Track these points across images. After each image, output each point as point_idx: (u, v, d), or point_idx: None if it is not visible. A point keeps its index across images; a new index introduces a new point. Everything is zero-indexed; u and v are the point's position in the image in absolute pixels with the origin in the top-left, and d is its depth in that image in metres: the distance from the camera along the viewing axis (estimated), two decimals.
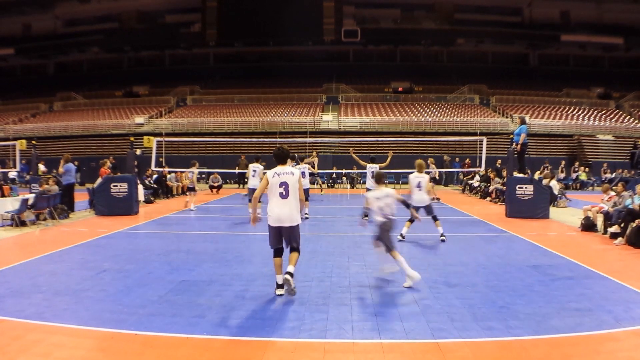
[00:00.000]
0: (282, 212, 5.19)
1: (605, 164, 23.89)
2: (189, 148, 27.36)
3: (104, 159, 15.97)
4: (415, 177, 8.62)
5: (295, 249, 5.35)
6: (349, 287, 5.58)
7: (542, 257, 7.31)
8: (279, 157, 5.43)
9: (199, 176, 24.73)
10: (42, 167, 22.48)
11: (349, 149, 26.05)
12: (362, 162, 11.94)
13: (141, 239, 9.14)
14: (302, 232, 5.54)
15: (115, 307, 4.80)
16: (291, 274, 5.15)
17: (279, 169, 5.31)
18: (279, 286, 5.26)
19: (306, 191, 11.40)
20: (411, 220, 8.42)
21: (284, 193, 5.19)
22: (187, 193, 14.95)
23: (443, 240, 8.55)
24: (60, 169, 12.28)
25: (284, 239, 5.35)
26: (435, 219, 8.71)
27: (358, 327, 4.28)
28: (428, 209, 8.66)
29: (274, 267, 5.40)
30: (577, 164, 24.67)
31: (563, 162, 24.93)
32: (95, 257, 7.26)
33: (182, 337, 4.05)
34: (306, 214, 10.42)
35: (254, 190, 11.57)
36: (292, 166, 14.05)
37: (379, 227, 5.93)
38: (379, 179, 6.55)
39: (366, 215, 6.32)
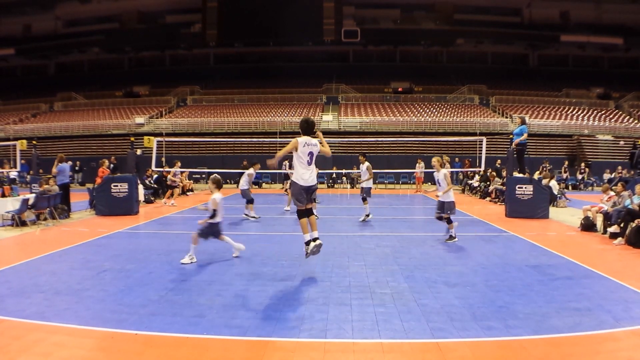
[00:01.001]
0: (311, 176, 6.04)
1: (619, 167, 21.95)
2: (189, 148, 27.39)
3: (103, 158, 15.98)
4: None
5: (312, 208, 6.31)
6: (349, 287, 5.59)
7: (542, 257, 7.32)
8: (307, 128, 6.12)
9: (198, 176, 24.89)
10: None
11: (349, 149, 26.20)
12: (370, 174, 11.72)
13: (142, 239, 9.15)
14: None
15: (115, 307, 4.81)
16: (318, 238, 6.11)
17: (307, 139, 6.02)
18: (309, 242, 5.99)
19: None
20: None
21: (310, 160, 6.04)
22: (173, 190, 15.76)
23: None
24: (54, 169, 12.24)
25: (308, 197, 6.16)
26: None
27: (358, 327, 4.28)
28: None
29: (301, 228, 6.07)
30: (582, 165, 24.36)
31: (566, 162, 24.85)
32: (96, 256, 7.27)
33: (182, 337, 4.06)
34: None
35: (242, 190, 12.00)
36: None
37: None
38: (218, 183, 7.52)
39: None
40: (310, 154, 6.03)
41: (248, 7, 36.12)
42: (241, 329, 4.24)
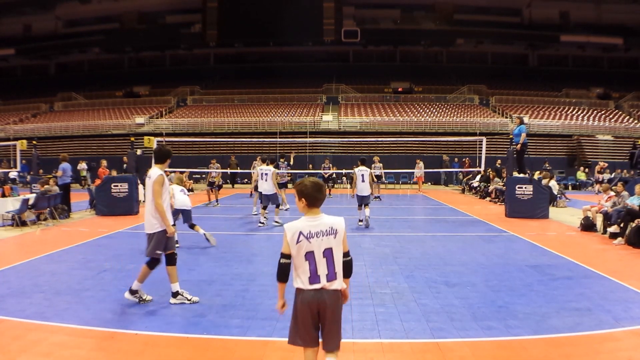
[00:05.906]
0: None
1: (623, 171, 20.53)
2: (190, 148, 27.38)
3: (102, 159, 15.98)
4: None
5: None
6: (349, 287, 5.58)
7: (542, 257, 7.32)
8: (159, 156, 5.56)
9: (198, 176, 24.90)
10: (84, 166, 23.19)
11: (349, 149, 26.21)
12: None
13: (142, 239, 9.09)
14: None
15: (116, 307, 4.82)
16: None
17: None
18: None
19: (273, 196, 10.42)
20: None
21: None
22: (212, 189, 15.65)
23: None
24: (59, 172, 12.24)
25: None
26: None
27: (358, 327, 4.28)
28: None
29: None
30: (598, 166, 22.79)
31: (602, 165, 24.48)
32: (96, 256, 7.27)
33: (182, 337, 4.06)
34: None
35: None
36: (285, 166, 14.20)
37: None
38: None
39: None
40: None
41: (248, 7, 36.14)
42: (241, 329, 4.24)
